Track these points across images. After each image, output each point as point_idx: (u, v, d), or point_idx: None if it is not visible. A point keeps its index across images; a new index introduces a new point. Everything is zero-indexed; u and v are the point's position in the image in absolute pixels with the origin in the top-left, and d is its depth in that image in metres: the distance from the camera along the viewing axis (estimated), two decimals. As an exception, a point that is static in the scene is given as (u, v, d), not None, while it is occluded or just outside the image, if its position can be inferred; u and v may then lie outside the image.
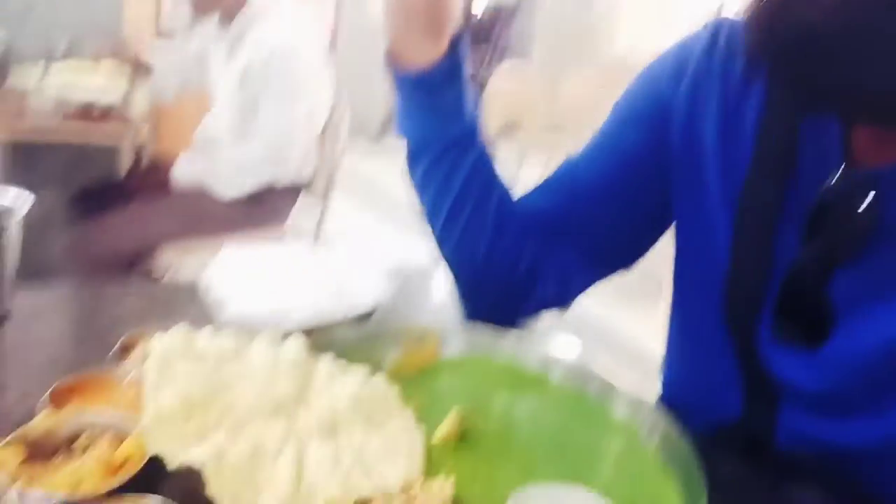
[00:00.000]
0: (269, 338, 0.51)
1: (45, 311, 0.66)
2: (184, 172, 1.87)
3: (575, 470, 0.50)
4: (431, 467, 0.48)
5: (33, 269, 0.65)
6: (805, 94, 0.49)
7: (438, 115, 0.64)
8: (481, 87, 4.36)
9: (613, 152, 0.68)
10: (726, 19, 0.64)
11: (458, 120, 0.64)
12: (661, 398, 0.75)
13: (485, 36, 8.58)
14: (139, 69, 2.10)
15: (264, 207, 1.90)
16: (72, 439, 0.42)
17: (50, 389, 0.45)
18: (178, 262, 1.85)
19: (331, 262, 0.68)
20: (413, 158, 0.67)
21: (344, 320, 0.62)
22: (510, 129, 4.47)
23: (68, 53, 2.22)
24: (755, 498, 0.54)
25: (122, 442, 0.42)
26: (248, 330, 0.55)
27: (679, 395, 0.72)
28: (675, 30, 0.76)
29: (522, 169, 4.26)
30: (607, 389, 0.57)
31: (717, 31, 0.63)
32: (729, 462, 0.56)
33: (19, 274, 0.64)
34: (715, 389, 0.66)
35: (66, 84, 1.94)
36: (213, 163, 1.84)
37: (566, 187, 0.70)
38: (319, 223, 2.04)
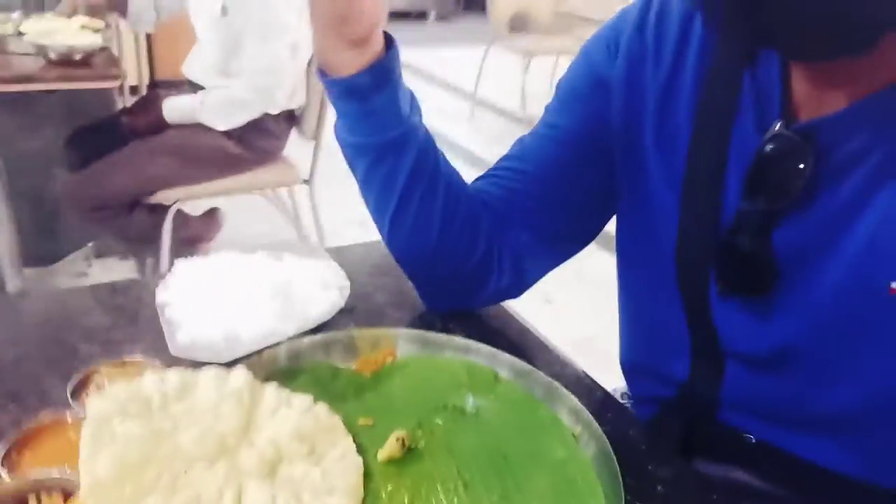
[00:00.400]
0: (215, 373, 0.53)
1: (8, 325, 0.68)
2: (174, 109, 1.85)
3: (514, 479, 0.53)
4: (376, 485, 0.51)
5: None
6: (746, 34, 0.50)
7: (371, 121, 0.63)
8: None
9: (556, 134, 0.69)
10: None
11: (392, 124, 0.63)
12: (621, 365, 0.78)
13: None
14: (117, 6, 2.04)
15: (259, 139, 1.90)
16: (20, 500, 0.45)
17: (2, 451, 0.48)
18: (181, 199, 1.88)
19: (284, 274, 0.69)
20: (351, 161, 0.67)
21: (296, 336, 0.64)
22: (518, 23, 4.33)
23: (41, 8, 2.17)
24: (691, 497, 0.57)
25: (69, 498, 0.45)
26: (197, 360, 0.57)
27: (634, 362, 0.76)
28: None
29: (530, 64, 4.18)
30: (552, 392, 0.59)
31: (648, 6, 0.63)
32: (670, 461, 0.58)
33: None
34: (666, 353, 0.68)
35: (43, 32, 1.89)
36: (201, 99, 1.81)
37: (515, 171, 0.71)
38: (313, 163, 2.03)
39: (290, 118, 1.96)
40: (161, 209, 1.89)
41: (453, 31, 7.10)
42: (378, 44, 0.61)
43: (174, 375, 0.52)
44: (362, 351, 0.63)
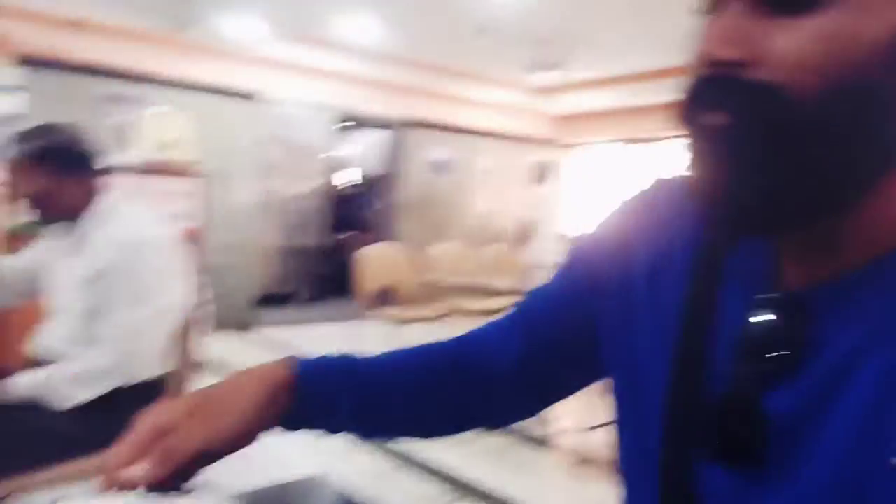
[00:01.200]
0: None
1: None
2: (17, 387, 1.68)
3: None
4: None
5: None
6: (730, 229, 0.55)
7: (318, 428, 0.68)
8: (351, 262, 4.46)
9: (548, 319, 0.73)
10: (659, 178, 0.70)
11: (339, 415, 0.67)
12: None
13: (353, 209, 8.92)
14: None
15: (108, 419, 1.72)
16: None
17: None
18: (18, 492, 1.60)
19: None
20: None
21: None
22: (386, 295, 4.55)
23: None
24: None
25: None
26: None
27: None
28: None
29: (403, 329, 4.31)
30: None
31: (650, 189, 0.68)
32: None
33: None
34: None
35: None
36: (49, 374, 1.67)
37: (517, 339, 0.74)
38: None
39: (151, 389, 1.83)
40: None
41: (324, 310, 7.31)
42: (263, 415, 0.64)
43: None
44: None
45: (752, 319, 0.55)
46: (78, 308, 1.74)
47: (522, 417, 0.79)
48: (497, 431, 3.42)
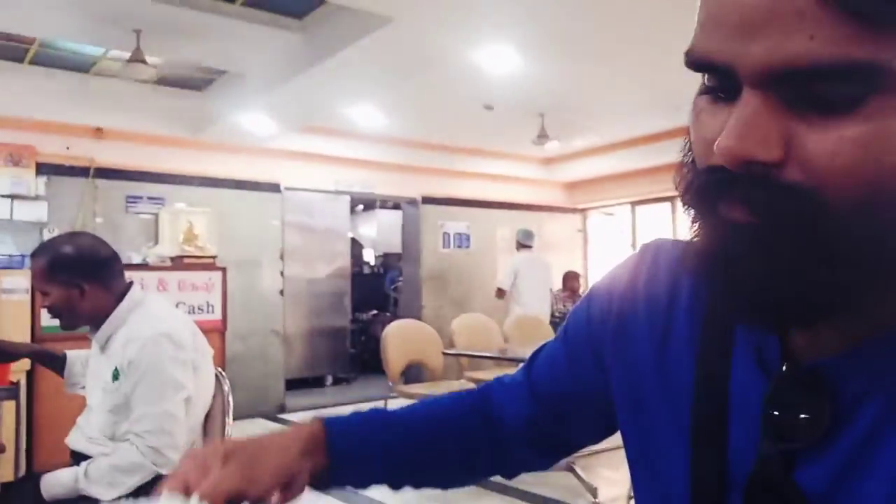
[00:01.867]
0: None
1: None
2: (54, 485, 1.68)
3: None
4: None
5: None
6: (740, 313, 0.53)
7: (349, 481, 0.69)
8: (377, 340, 4.45)
9: (558, 381, 0.74)
10: (653, 243, 0.70)
11: (371, 467, 0.69)
12: None
13: (375, 288, 8.98)
14: (6, 391, 1.97)
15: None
16: None
17: None
18: None
19: None
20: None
21: None
22: (413, 371, 4.51)
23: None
24: None
25: None
26: None
27: None
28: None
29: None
30: None
31: (638, 266, 0.68)
32: None
33: None
34: None
35: None
36: (85, 468, 1.67)
37: (531, 401, 0.75)
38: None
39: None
40: None
41: (351, 391, 7.25)
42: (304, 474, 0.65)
43: None
44: None
45: (771, 397, 0.54)
46: (106, 405, 1.76)
47: (533, 469, 0.79)
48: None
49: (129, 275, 1.90)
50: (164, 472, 1.70)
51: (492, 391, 0.77)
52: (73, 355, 2.02)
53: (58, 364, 2.04)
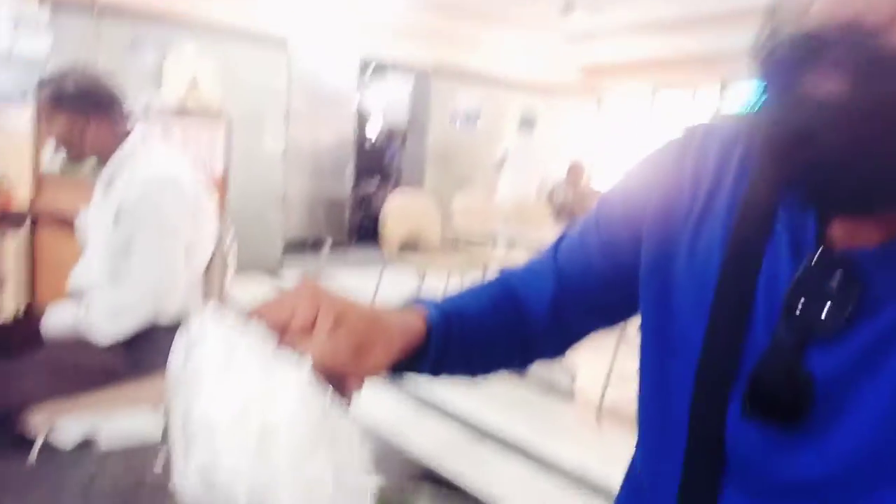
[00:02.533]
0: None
1: None
2: (55, 322, 1.73)
3: None
4: None
5: None
6: (799, 194, 0.51)
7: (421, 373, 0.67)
8: (377, 210, 4.46)
9: (587, 248, 0.73)
10: (702, 125, 0.67)
11: (446, 362, 0.67)
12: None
13: (378, 158, 8.90)
14: (9, 219, 1.98)
15: (146, 352, 1.77)
16: None
17: None
18: (55, 421, 1.67)
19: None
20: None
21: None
22: (409, 247, 4.57)
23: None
24: None
25: None
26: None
27: (627, 499, 0.73)
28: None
29: (426, 280, 4.35)
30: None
31: (690, 138, 0.66)
32: None
33: None
34: (660, 486, 0.65)
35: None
36: (86, 309, 1.71)
37: (543, 275, 0.75)
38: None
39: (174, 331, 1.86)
40: (26, 441, 1.66)
41: (348, 258, 7.38)
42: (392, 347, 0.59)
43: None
44: None
45: (799, 282, 0.54)
46: (108, 247, 1.77)
47: (553, 354, 0.79)
48: (522, 382, 3.46)
49: (131, 119, 1.87)
50: (160, 317, 1.73)
51: (516, 283, 0.76)
52: (84, 215, 2.00)
53: (69, 226, 2.02)
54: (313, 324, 0.51)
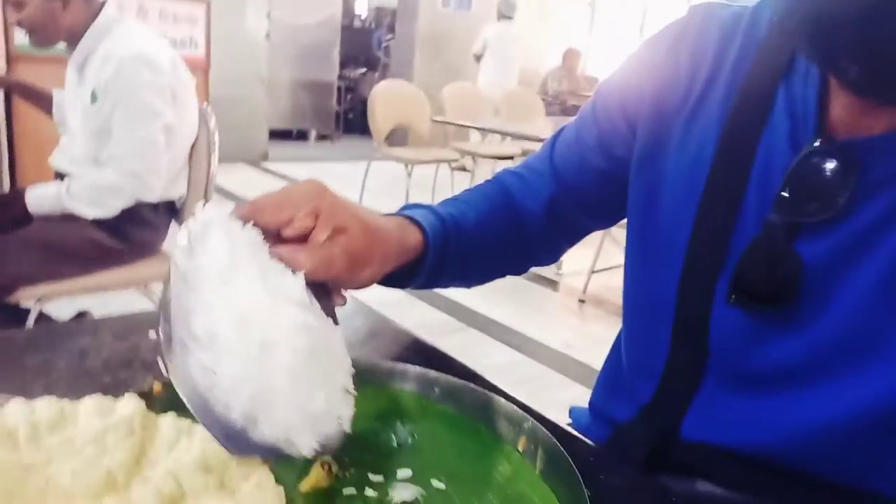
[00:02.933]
0: (97, 401, 0.44)
1: None
2: (40, 201, 1.70)
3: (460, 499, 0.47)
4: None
5: None
6: (829, 63, 0.50)
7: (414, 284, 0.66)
8: (363, 99, 4.33)
9: (582, 141, 0.72)
10: (703, 5, 0.65)
11: (442, 274, 0.66)
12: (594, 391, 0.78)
13: (366, 43, 8.58)
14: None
15: (135, 230, 1.77)
16: None
17: None
18: (49, 299, 1.70)
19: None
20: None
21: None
22: (398, 138, 4.50)
23: None
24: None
25: None
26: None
27: (607, 385, 0.75)
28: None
29: (413, 169, 4.32)
30: (488, 406, 0.54)
31: (689, 21, 0.64)
32: (623, 471, 0.54)
33: None
34: (637, 371, 0.67)
35: None
36: (67, 190, 1.69)
37: (541, 173, 0.74)
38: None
39: (170, 209, 1.86)
40: (21, 313, 1.69)
41: (335, 149, 7.27)
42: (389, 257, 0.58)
43: (46, 404, 0.43)
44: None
45: (796, 167, 0.53)
46: (87, 128, 1.73)
47: (548, 259, 0.79)
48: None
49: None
50: (144, 197, 1.72)
51: (513, 187, 0.74)
52: (60, 95, 1.93)
53: (44, 103, 1.96)
54: (311, 230, 0.51)
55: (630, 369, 0.70)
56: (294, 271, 0.48)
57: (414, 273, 0.64)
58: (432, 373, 0.57)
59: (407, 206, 0.67)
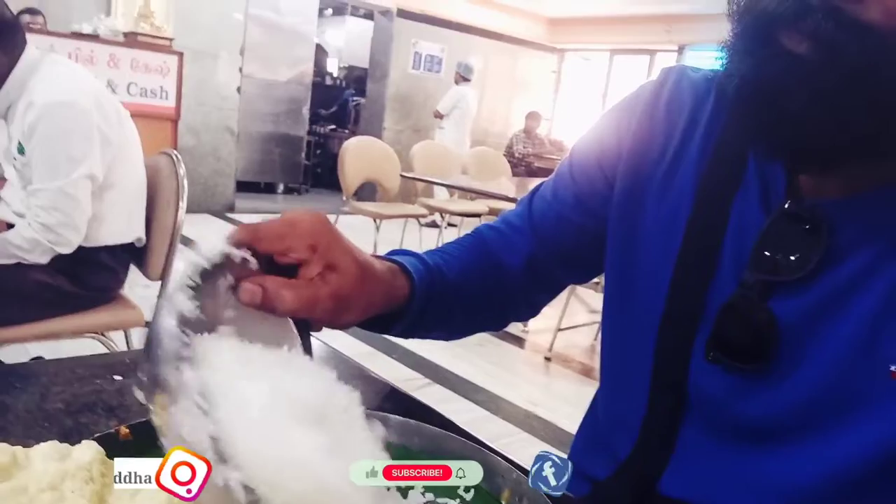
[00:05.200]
0: (52, 446, 0.41)
1: None
2: None
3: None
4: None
5: None
6: (765, 147, 0.53)
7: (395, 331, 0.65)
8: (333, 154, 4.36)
9: (560, 201, 0.72)
10: (677, 67, 0.67)
11: (424, 322, 0.65)
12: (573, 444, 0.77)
13: (337, 100, 8.70)
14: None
15: (92, 274, 1.71)
16: None
17: None
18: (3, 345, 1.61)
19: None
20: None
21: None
22: (366, 193, 4.52)
23: None
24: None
25: None
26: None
27: (586, 442, 0.75)
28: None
29: (382, 224, 4.32)
30: (472, 457, 0.52)
31: (661, 85, 0.66)
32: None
33: None
34: (616, 426, 0.66)
35: None
36: (4, 235, 1.61)
37: (521, 230, 0.74)
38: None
39: (129, 251, 1.81)
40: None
41: (302, 202, 7.26)
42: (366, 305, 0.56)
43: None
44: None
45: (768, 230, 0.55)
46: (19, 180, 1.67)
47: (526, 314, 0.79)
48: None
49: (77, 45, 1.76)
50: (61, 250, 1.64)
51: (489, 243, 0.74)
52: None
53: None
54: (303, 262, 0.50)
55: (608, 425, 0.69)
56: (276, 307, 0.47)
57: (395, 320, 0.62)
58: (412, 422, 0.55)
59: (396, 252, 0.66)
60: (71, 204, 1.63)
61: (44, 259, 1.63)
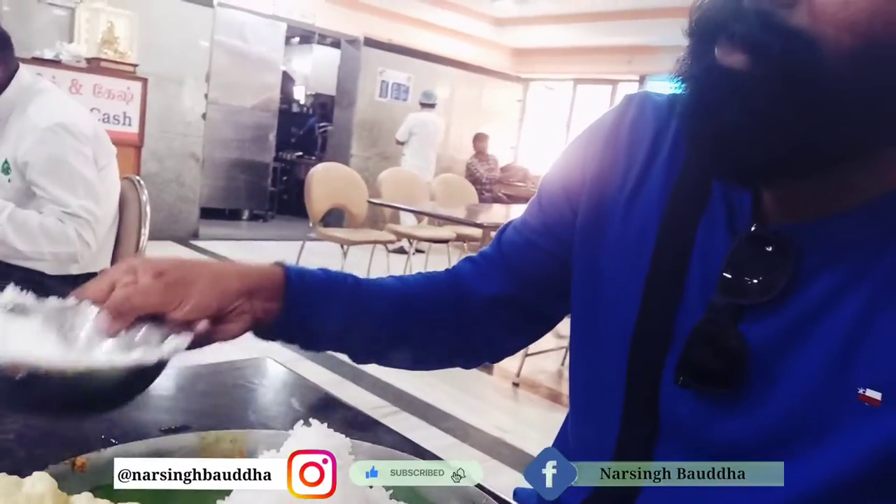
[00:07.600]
0: (2, 482, 0.40)
1: None
2: None
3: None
4: None
5: None
6: (718, 167, 0.53)
7: (300, 336, 0.65)
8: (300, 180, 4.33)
9: (527, 230, 0.73)
10: (639, 93, 0.68)
11: (328, 326, 0.64)
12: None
13: (303, 127, 8.69)
14: None
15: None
16: None
17: None
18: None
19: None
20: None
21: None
22: (334, 216, 4.49)
23: None
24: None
25: None
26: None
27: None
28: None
29: (349, 250, 4.30)
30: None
31: (624, 112, 0.66)
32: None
33: None
34: (592, 451, 0.66)
35: None
36: (10, 212, 1.58)
37: (494, 262, 0.74)
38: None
39: (74, 284, 1.76)
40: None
41: (268, 228, 7.19)
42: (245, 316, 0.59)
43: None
44: (209, 455, 0.52)
45: (734, 254, 0.55)
46: (2, 197, 1.64)
47: (498, 355, 0.79)
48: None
49: (40, 71, 1.73)
50: (73, 264, 1.65)
51: (462, 272, 0.75)
52: None
53: None
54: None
55: (579, 451, 0.69)
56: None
57: (285, 320, 0.62)
58: (384, 449, 0.54)
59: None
60: (95, 222, 1.63)
61: (48, 266, 1.60)
